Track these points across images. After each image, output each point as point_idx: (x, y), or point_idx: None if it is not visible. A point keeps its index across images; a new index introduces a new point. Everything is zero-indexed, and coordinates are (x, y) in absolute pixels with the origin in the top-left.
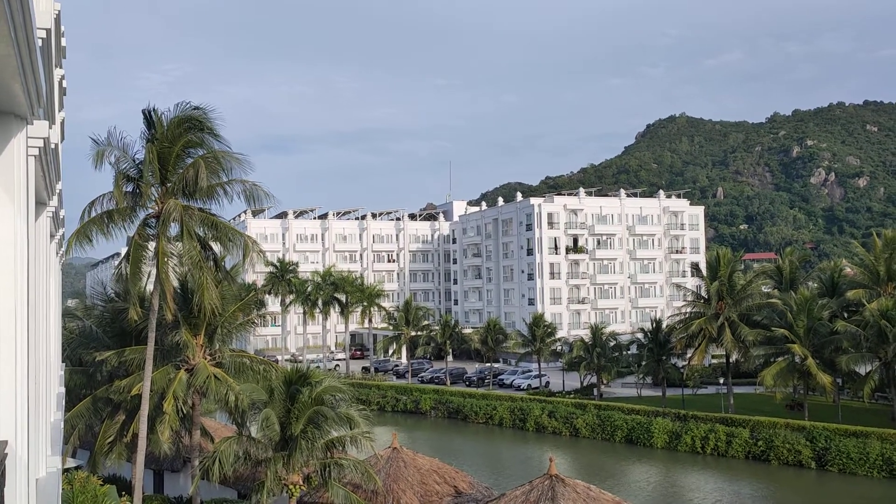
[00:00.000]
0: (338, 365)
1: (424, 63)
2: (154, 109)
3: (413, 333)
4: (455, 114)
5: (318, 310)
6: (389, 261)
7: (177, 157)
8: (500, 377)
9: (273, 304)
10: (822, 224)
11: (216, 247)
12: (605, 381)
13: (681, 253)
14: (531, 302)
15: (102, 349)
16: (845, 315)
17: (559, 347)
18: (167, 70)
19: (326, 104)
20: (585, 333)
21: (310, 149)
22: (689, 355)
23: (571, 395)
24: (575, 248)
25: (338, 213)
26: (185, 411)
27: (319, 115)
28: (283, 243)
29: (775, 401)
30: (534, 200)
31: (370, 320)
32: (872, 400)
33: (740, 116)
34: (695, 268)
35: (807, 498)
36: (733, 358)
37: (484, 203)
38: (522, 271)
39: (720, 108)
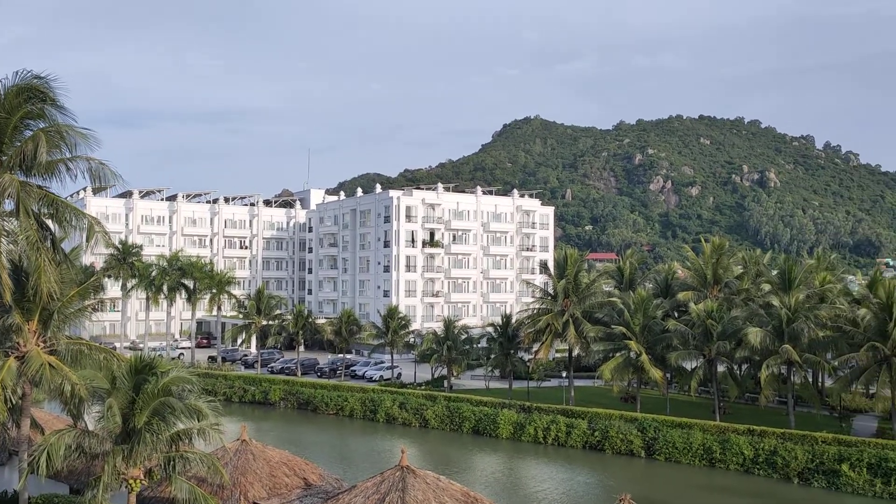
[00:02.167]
0: (182, 353)
1: (286, 44)
2: None
3: (264, 322)
4: (316, 99)
5: (162, 296)
6: (242, 247)
7: (14, 129)
8: (352, 368)
9: (113, 288)
10: (658, 228)
11: (54, 226)
12: (455, 374)
13: (531, 251)
14: (386, 294)
15: None
16: (676, 314)
17: (412, 339)
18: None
19: (180, 79)
20: (438, 326)
21: (158, 125)
22: (535, 349)
23: (422, 387)
24: (431, 241)
25: (188, 196)
26: (14, 401)
27: (171, 91)
28: (127, 224)
29: (612, 394)
30: (393, 193)
31: (219, 308)
32: (697, 394)
33: (590, 122)
34: (543, 266)
35: (635, 484)
36: (576, 353)
37: (342, 192)
38: (379, 263)
39: (572, 112)
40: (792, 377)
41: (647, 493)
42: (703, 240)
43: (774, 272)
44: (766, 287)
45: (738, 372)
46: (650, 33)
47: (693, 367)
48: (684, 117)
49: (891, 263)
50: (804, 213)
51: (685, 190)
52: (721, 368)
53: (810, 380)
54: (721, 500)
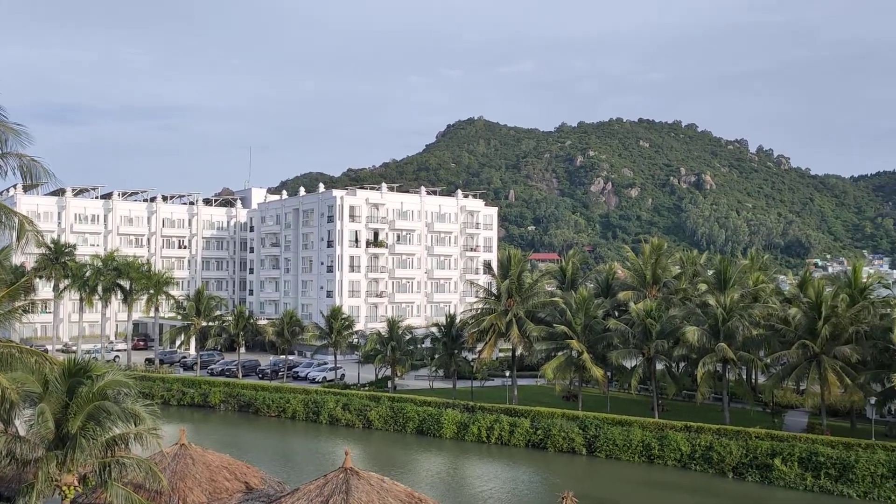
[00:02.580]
0: (118, 356)
1: (225, 41)
2: None
3: (204, 324)
4: (257, 97)
5: (97, 297)
6: (180, 247)
7: None
8: (294, 369)
9: (45, 289)
10: (598, 229)
11: None
12: (399, 374)
13: (475, 251)
14: (329, 294)
15: None
16: (617, 314)
17: (356, 340)
18: None
19: (114, 74)
20: (382, 327)
21: (93, 121)
22: (479, 349)
23: (366, 388)
24: (375, 241)
25: (124, 194)
26: None
27: (106, 86)
28: (60, 223)
29: (554, 392)
30: (336, 192)
31: (157, 309)
32: (637, 392)
33: (532, 124)
34: (487, 266)
35: (577, 481)
36: (519, 352)
37: (284, 192)
38: (322, 263)
39: (515, 114)
40: (727, 374)
41: (588, 490)
42: (642, 240)
43: (710, 272)
44: (703, 287)
45: (675, 370)
46: (590, 37)
47: (633, 365)
48: (624, 120)
49: (819, 264)
50: (738, 215)
51: (625, 191)
52: (660, 366)
53: (744, 377)
54: (659, 495)
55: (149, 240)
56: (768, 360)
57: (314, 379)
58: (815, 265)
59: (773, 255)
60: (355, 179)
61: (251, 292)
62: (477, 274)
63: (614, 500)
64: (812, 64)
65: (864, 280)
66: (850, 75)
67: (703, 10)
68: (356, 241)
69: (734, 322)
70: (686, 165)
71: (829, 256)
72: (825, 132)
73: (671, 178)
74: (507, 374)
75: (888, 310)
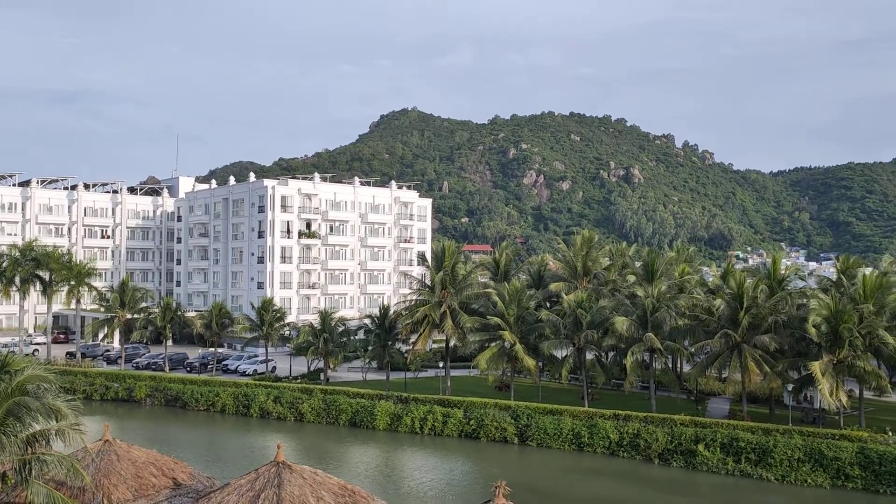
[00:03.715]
0: (37, 349)
1: (153, 27)
2: None
3: (129, 316)
4: (184, 84)
5: (14, 288)
6: (104, 237)
7: None
8: (224, 362)
9: None
10: (531, 221)
11: None
12: (332, 366)
13: (409, 242)
14: (260, 286)
15: None
16: (548, 305)
17: (288, 332)
18: None
19: (36, 57)
20: (315, 318)
21: (9, 106)
22: (413, 341)
23: (298, 380)
24: (308, 232)
25: (43, 181)
26: None
27: (26, 68)
28: None
29: (487, 383)
30: (267, 182)
31: (78, 301)
32: (568, 381)
33: (466, 116)
34: (421, 257)
35: (510, 470)
36: (452, 343)
37: (214, 181)
38: (252, 254)
39: (449, 105)
40: (654, 364)
41: (521, 479)
42: (574, 232)
43: (639, 264)
44: (632, 278)
45: (605, 359)
46: (523, 31)
47: (564, 355)
48: (556, 114)
49: (741, 256)
50: (665, 208)
51: (557, 184)
52: (590, 356)
53: (670, 366)
54: (589, 482)
55: (70, 229)
56: (693, 350)
57: (244, 372)
58: (737, 257)
59: (697, 247)
60: (287, 169)
61: (178, 283)
62: (411, 265)
63: (546, 488)
64: (734, 62)
65: (783, 272)
66: (770, 74)
67: (632, 6)
68: (288, 231)
69: (661, 313)
70: (615, 159)
71: (749, 249)
72: (747, 128)
73: (601, 171)
74: (441, 365)
75: (804, 300)
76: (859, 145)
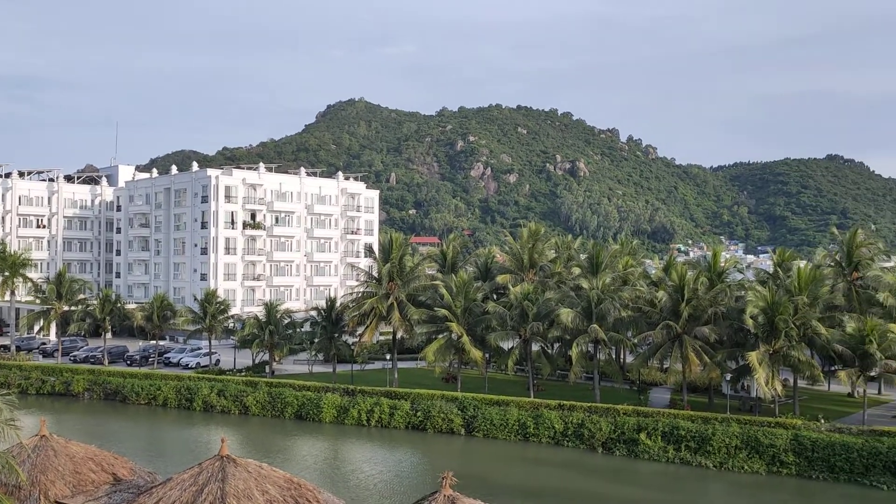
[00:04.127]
0: None
1: (93, 11)
2: None
3: (66, 308)
4: (125, 71)
5: None
6: (39, 226)
7: None
8: (166, 355)
9: None
10: (478, 213)
11: None
12: (277, 359)
13: (356, 234)
14: (203, 277)
15: None
16: (495, 297)
17: (232, 324)
18: None
19: None
20: (260, 311)
21: None
22: (360, 333)
23: (243, 373)
24: (253, 223)
25: None
26: None
27: None
28: None
29: (434, 375)
30: (211, 172)
31: (13, 292)
32: (514, 372)
33: (414, 107)
34: (369, 249)
35: (456, 461)
36: (400, 335)
37: (155, 170)
38: (196, 245)
39: (397, 96)
40: (598, 354)
41: (467, 470)
42: (521, 225)
43: (584, 257)
44: (577, 270)
45: (550, 350)
46: (470, 22)
47: (510, 346)
48: (503, 106)
49: (682, 249)
50: (610, 202)
51: (504, 177)
52: (536, 347)
53: (614, 356)
54: (534, 471)
55: (3, 218)
56: (636, 340)
57: (187, 365)
58: (679, 250)
59: (640, 240)
60: (231, 159)
61: (118, 275)
62: (358, 257)
63: (492, 478)
64: (677, 59)
65: (722, 265)
66: (712, 71)
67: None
68: (232, 222)
69: (606, 304)
70: (561, 153)
71: (690, 242)
72: (689, 124)
73: (547, 164)
74: (388, 357)
75: (742, 292)
76: (795, 142)
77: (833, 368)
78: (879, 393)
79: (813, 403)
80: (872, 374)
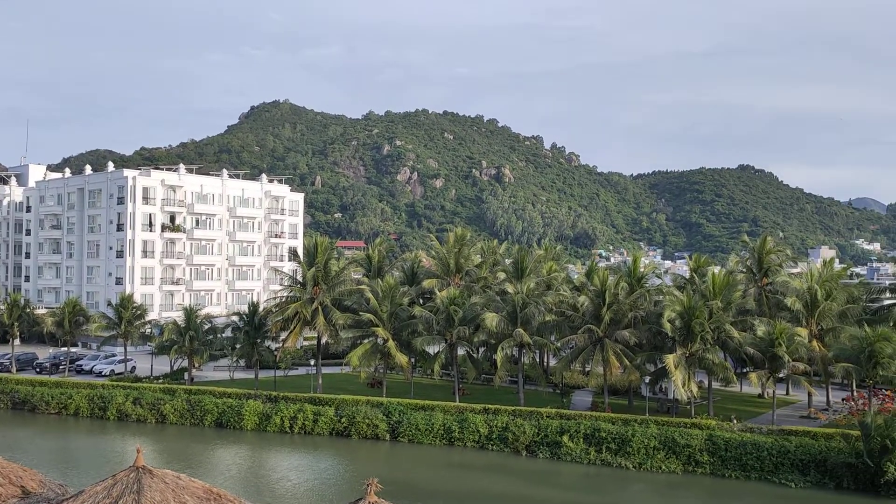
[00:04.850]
0: None
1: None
2: None
3: None
4: (35, 65)
5: None
6: None
7: None
8: (78, 363)
9: None
10: (405, 217)
11: None
12: (197, 365)
13: (280, 237)
14: (119, 281)
15: None
16: (422, 301)
17: (149, 330)
18: None
19: None
20: (179, 315)
21: None
22: (283, 338)
23: (160, 381)
24: (172, 226)
25: None
26: None
27: None
28: None
29: (359, 380)
30: (128, 172)
31: None
32: (440, 377)
33: (340, 110)
34: (293, 253)
35: (381, 467)
36: (324, 340)
37: (68, 170)
38: (111, 248)
39: (322, 99)
40: (522, 358)
41: (393, 476)
42: (447, 230)
43: (509, 261)
44: (502, 275)
45: (476, 355)
46: (396, 26)
47: (436, 351)
48: (430, 112)
49: (604, 254)
50: (534, 207)
51: (430, 182)
52: (461, 352)
53: (538, 360)
54: (459, 475)
55: None
56: (559, 344)
57: (101, 372)
58: (600, 255)
59: (564, 245)
60: (149, 159)
61: (27, 279)
62: (282, 261)
63: (418, 484)
64: (599, 69)
65: (642, 270)
66: (632, 81)
67: (502, 9)
68: (150, 224)
69: (530, 309)
70: (487, 159)
71: (611, 248)
72: (610, 132)
73: (473, 170)
74: (312, 362)
75: (660, 297)
76: (710, 151)
77: (745, 370)
78: (787, 394)
79: (726, 404)
80: (781, 375)
